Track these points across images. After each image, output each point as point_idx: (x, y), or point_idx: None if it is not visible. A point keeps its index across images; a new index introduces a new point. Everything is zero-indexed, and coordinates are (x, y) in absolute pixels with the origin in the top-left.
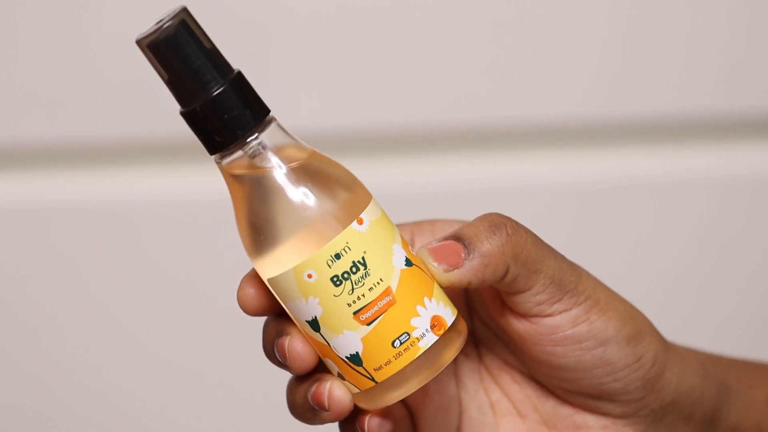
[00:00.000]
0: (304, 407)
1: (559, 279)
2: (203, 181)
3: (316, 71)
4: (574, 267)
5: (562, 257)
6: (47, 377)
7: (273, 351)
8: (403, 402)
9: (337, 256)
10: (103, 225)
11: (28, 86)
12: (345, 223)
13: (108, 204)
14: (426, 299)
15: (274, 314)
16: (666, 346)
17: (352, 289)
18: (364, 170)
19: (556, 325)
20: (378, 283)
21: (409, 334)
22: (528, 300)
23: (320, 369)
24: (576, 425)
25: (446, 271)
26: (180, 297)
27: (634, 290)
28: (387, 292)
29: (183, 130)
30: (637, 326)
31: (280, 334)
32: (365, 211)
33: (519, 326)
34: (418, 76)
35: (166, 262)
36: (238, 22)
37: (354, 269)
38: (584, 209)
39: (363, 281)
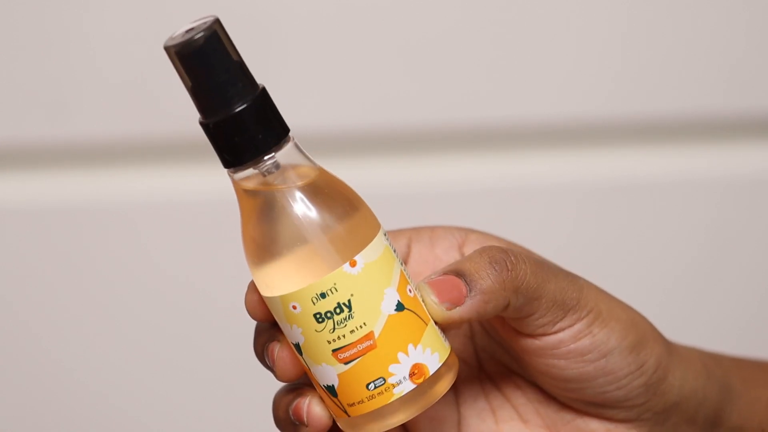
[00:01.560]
0: (285, 421)
1: (561, 300)
2: (203, 181)
3: (316, 71)
4: (574, 282)
5: (562, 274)
6: (47, 377)
7: (263, 353)
8: None
9: (323, 295)
10: (103, 225)
11: (28, 86)
12: (339, 261)
13: (108, 204)
14: (410, 346)
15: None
16: (669, 350)
17: (334, 329)
18: (365, 170)
19: (560, 341)
20: (361, 326)
21: (385, 380)
22: (531, 324)
23: (306, 381)
24: (579, 429)
25: (448, 309)
26: (180, 297)
27: (634, 290)
28: (368, 336)
29: (183, 130)
30: (640, 334)
31: (272, 339)
32: (363, 251)
33: (522, 342)
34: (418, 76)
35: (166, 262)
36: (238, 22)
37: (338, 310)
38: (584, 209)
39: (345, 323)
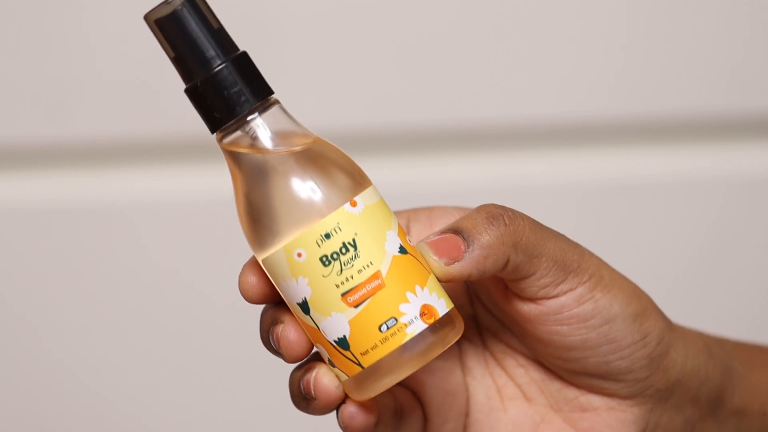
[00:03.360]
0: (299, 397)
1: (562, 260)
2: (203, 181)
3: (316, 71)
4: (575, 245)
5: (563, 237)
6: (47, 377)
7: (269, 338)
8: (410, 389)
9: (327, 236)
10: (103, 225)
11: (28, 86)
12: (339, 202)
13: (108, 204)
14: (418, 287)
15: (273, 303)
16: (670, 326)
17: (341, 270)
18: (365, 170)
19: (562, 305)
20: (368, 266)
21: (396, 320)
22: (533, 285)
23: (316, 359)
24: (582, 407)
25: (447, 264)
26: (180, 297)
27: None
28: (376, 275)
29: (183, 130)
30: (642, 304)
31: (275, 321)
32: (361, 194)
33: (524, 308)
34: (418, 76)
35: (165, 262)
36: (238, 22)
37: (343, 250)
38: (584, 209)
39: (352, 263)
